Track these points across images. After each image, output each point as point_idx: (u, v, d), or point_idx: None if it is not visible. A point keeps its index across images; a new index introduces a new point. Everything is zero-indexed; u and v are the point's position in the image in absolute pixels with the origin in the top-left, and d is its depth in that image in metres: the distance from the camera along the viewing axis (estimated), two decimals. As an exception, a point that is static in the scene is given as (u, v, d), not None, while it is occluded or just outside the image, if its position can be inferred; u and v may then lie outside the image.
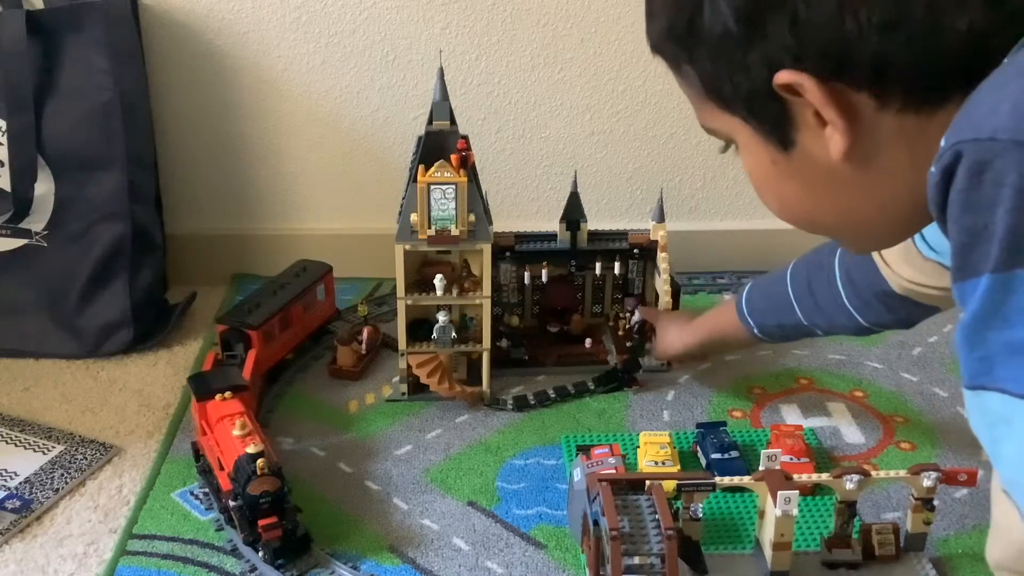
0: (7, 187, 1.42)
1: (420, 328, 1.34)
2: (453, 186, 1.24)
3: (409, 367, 1.34)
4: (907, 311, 1.11)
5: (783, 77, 0.60)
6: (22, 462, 1.24)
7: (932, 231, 0.98)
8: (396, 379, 1.38)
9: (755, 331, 1.25)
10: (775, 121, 0.64)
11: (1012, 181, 0.52)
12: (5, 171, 1.42)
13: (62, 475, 1.21)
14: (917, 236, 1.02)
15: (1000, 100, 0.53)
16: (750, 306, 1.25)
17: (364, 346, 1.46)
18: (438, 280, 1.30)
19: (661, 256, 1.42)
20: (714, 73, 0.64)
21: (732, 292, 1.68)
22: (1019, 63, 0.55)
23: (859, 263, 1.11)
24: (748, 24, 0.60)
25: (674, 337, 1.36)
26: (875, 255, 1.09)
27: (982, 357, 0.56)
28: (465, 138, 1.27)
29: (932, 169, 0.56)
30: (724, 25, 0.61)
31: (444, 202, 1.25)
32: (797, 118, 0.63)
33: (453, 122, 1.27)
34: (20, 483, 1.20)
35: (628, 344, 1.45)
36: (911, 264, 1.05)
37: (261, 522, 1.06)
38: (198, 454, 1.20)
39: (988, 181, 0.52)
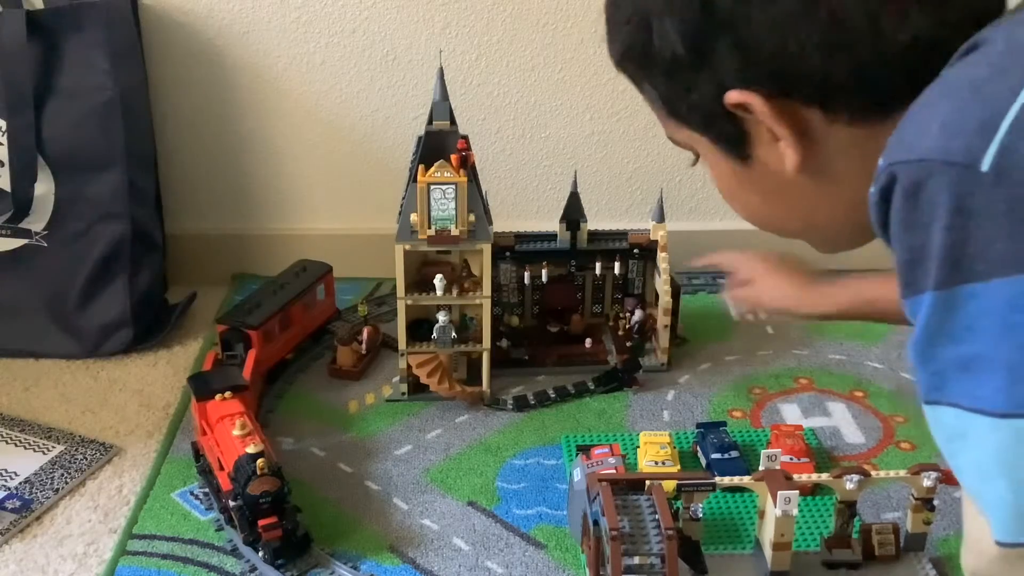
0: (7, 187, 1.42)
1: (420, 328, 1.34)
2: (453, 186, 1.24)
3: (409, 367, 1.34)
4: None
5: (732, 97, 0.62)
6: (22, 462, 1.24)
7: None
8: (396, 379, 1.38)
9: None
10: (731, 137, 0.66)
11: (944, 200, 0.53)
12: (5, 171, 1.42)
13: (62, 475, 1.21)
14: None
15: (930, 120, 0.54)
16: None
17: (364, 346, 1.46)
18: (438, 280, 1.30)
19: (661, 256, 1.42)
20: (669, 93, 0.67)
21: (732, 292, 1.68)
22: (949, 80, 0.56)
23: None
24: (695, 49, 0.62)
25: (792, 294, 1.18)
26: None
27: (934, 372, 0.57)
28: (465, 138, 1.27)
29: (872, 189, 0.57)
30: (673, 50, 0.63)
31: (444, 202, 1.25)
32: (752, 133, 0.65)
33: (453, 122, 1.27)
34: (20, 483, 1.20)
35: (628, 344, 1.45)
36: None
37: (261, 522, 1.06)
38: (198, 454, 1.20)
39: (923, 201, 0.54)
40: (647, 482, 1.02)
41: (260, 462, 1.05)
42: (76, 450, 1.26)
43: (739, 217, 0.76)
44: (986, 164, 0.51)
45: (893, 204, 0.56)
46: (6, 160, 1.41)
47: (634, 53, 0.67)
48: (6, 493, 1.18)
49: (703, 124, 0.67)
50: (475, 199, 1.27)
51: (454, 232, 1.26)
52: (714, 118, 0.65)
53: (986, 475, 0.56)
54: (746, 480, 1.04)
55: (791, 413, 1.36)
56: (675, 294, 1.43)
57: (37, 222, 1.45)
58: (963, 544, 0.67)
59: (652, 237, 1.44)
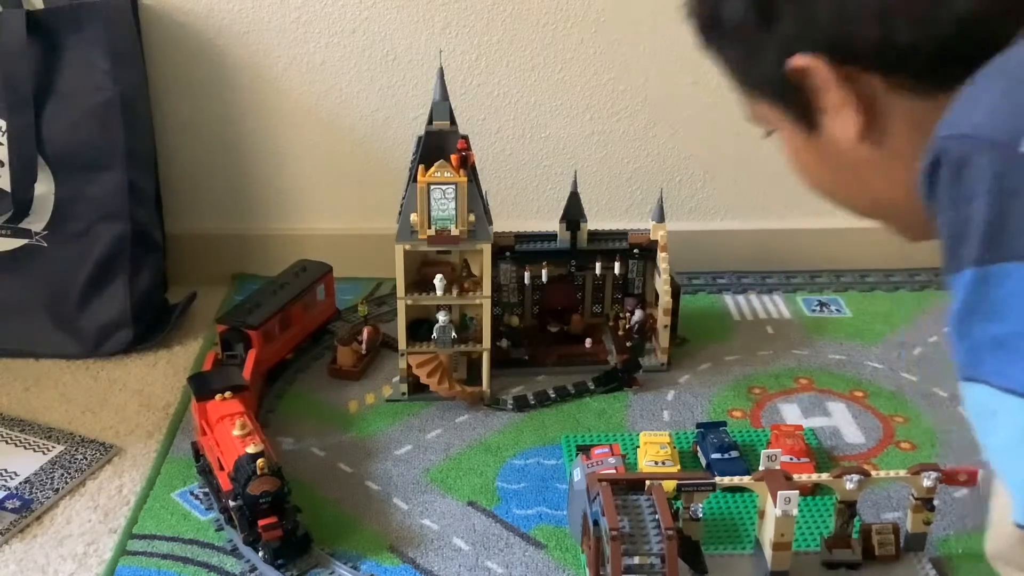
0: (7, 187, 1.42)
1: (420, 328, 1.34)
2: (453, 186, 1.24)
3: (409, 367, 1.34)
4: None
5: (796, 62, 0.62)
6: (22, 462, 1.24)
7: None
8: (396, 379, 1.38)
9: None
10: (799, 105, 0.66)
11: (986, 177, 0.54)
12: (5, 171, 1.42)
13: (62, 475, 1.21)
14: None
15: (980, 98, 0.55)
16: None
17: (364, 346, 1.46)
18: (438, 280, 1.30)
19: (661, 256, 1.42)
20: (739, 60, 0.68)
21: (732, 292, 1.68)
22: (1005, 61, 0.57)
23: None
24: (761, 13, 0.63)
25: None
26: None
27: (970, 348, 0.58)
28: (465, 138, 1.27)
29: (922, 163, 0.58)
30: (740, 14, 0.64)
31: (444, 202, 1.25)
32: (819, 103, 0.65)
33: (453, 122, 1.27)
34: (20, 483, 1.20)
35: (628, 344, 1.45)
36: None
37: (261, 522, 1.06)
38: (198, 454, 1.20)
39: (967, 178, 0.55)
40: (647, 482, 1.02)
41: (260, 462, 1.05)
42: (76, 450, 1.26)
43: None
44: None
45: (940, 178, 0.56)
46: (6, 160, 1.41)
47: (706, 21, 0.68)
48: (6, 493, 1.18)
49: (772, 92, 0.67)
50: (475, 199, 1.27)
51: (454, 232, 1.26)
52: (781, 85, 0.65)
53: (1012, 455, 0.56)
54: (746, 480, 1.04)
55: (791, 413, 1.36)
56: (675, 294, 1.43)
57: (37, 222, 1.45)
58: (988, 529, 0.67)
59: (652, 237, 1.44)
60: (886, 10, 0.59)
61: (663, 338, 1.43)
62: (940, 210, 0.57)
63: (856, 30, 0.60)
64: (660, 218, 1.43)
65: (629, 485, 1.02)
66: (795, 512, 1.00)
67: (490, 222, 1.32)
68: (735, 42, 0.67)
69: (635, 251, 1.44)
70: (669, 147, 1.69)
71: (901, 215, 0.72)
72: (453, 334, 1.33)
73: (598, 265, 1.45)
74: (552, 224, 1.44)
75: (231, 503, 1.08)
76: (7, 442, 1.28)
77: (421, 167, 1.24)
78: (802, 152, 0.70)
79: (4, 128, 1.40)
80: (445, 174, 1.24)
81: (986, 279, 0.55)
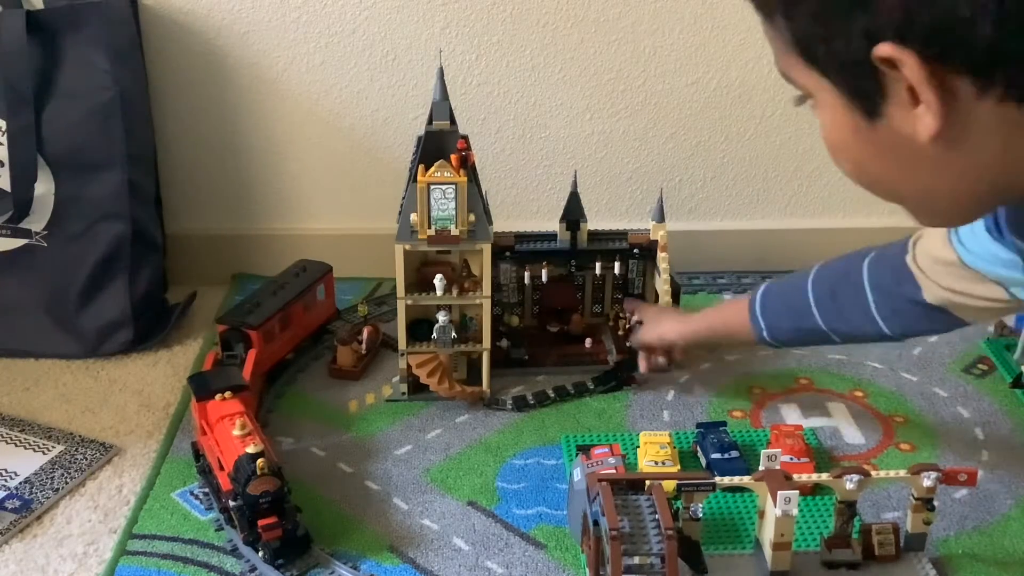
0: (7, 187, 1.42)
1: (420, 328, 1.34)
2: (453, 186, 1.24)
3: (409, 367, 1.34)
4: (938, 322, 1.09)
5: (885, 50, 0.59)
6: (22, 462, 1.24)
7: (971, 238, 0.97)
8: (396, 379, 1.38)
9: (764, 333, 1.23)
10: (865, 91, 0.63)
11: None
12: (5, 171, 1.42)
13: (62, 475, 1.21)
14: (958, 245, 1.00)
15: None
16: (764, 308, 1.23)
17: (364, 346, 1.46)
18: (438, 280, 1.30)
19: (661, 256, 1.42)
20: (811, 33, 0.63)
21: (732, 292, 1.68)
22: None
23: (893, 271, 1.10)
24: None
25: (671, 325, 1.37)
26: (911, 264, 1.07)
27: None
28: (465, 138, 1.27)
29: None
30: None
31: (444, 202, 1.25)
32: (889, 91, 0.62)
33: (453, 122, 1.27)
34: (20, 483, 1.20)
35: (628, 344, 1.45)
36: (951, 272, 1.03)
37: (261, 522, 1.06)
38: (198, 454, 1.20)
39: None
40: (647, 482, 1.02)
41: (260, 462, 1.05)
42: (76, 450, 1.26)
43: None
44: None
45: None
46: (6, 160, 1.41)
47: None
48: (6, 493, 1.18)
49: (838, 72, 0.63)
50: (475, 199, 1.27)
51: (454, 232, 1.26)
52: (854, 68, 0.61)
53: None
54: (746, 480, 1.04)
55: (791, 413, 1.36)
56: (675, 294, 1.43)
57: (37, 222, 1.45)
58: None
59: (652, 237, 1.44)
60: (1005, 14, 0.56)
61: (663, 338, 1.43)
62: None
63: (964, 31, 0.57)
64: (660, 218, 1.43)
65: (629, 485, 1.03)
66: (795, 512, 1.00)
67: (490, 222, 1.32)
68: (815, 14, 0.62)
69: (635, 251, 1.44)
70: (669, 147, 1.69)
71: (938, 207, 0.69)
72: (453, 334, 1.33)
73: (598, 265, 1.45)
74: (552, 224, 1.44)
75: (231, 503, 1.08)
76: (7, 442, 1.28)
77: (421, 167, 1.24)
78: (847, 133, 0.66)
79: (4, 128, 1.40)
80: (445, 174, 1.24)
81: None
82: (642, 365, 1.41)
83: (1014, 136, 0.58)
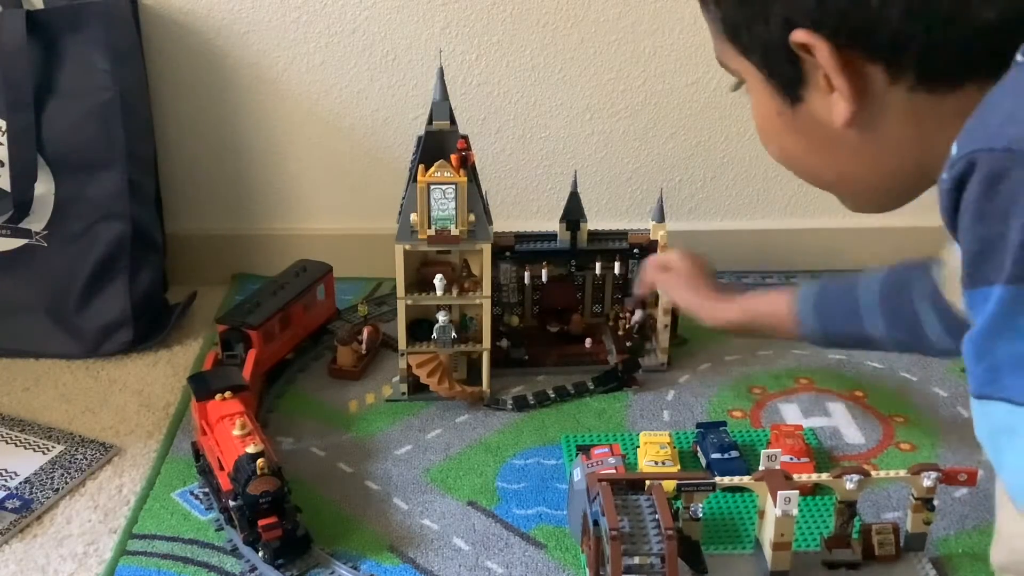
0: (7, 187, 1.42)
1: (420, 328, 1.34)
2: (453, 186, 1.24)
3: (409, 367, 1.34)
4: None
5: (799, 36, 0.61)
6: (22, 462, 1.24)
7: None
8: (396, 379, 1.38)
9: (807, 333, 1.18)
10: (786, 76, 0.65)
11: None
12: (5, 171, 1.42)
13: (62, 475, 1.21)
14: None
15: (1017, 107, 0.53)
16: (814, 309, 1.18)
17: (364, 346, 1.46)
18: (438, 280, 1.30)
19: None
20: (736, 18, 0.65)
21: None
22: None
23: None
24: None
25: (717, 307, 1.27)
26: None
27: (989, 367, 0.56)
28: (465, 138, 1.27)
29: (944, 176, 0.56)
30: None
31: (444, 202, 1.25)
32: (808, 77, 0.64)
33: (453, 122, 1.27)
34: (20, 483, 1.20)
35: (628, 344, 1.45)
36: None
37: (261, 522, 1.06)
38: (198, 454, 1.20)
39: (1003, 192, 0.53)
40: (647, 482, 1.02)
41: (260, 462, 1.05)
42: (76, 450, 1.26)
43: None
44: None
45: (968, 192, 0.54)
46: (6, 160, 1.41)
47: None
48: (6, 493, 1.18)
49: (762, 57, 0.66)
50: (475, 199, 1.27)
51: (454, 232, 1.26)
52: (775, 53, 0.64)
53: None
54: (746, 480, 1.04)
55: (791, 413, 1.36)
56: (675, 294, 1.43)
57: (37, 222, 1.45)
58: (994, 539, 0.67)
59: (652, 237, 1.44)
60: (913, 6, 0.58)
61: (663, 338, 1.43)
62: (963, 226, 0.55)
63: (875, 19, 0.59)
64: (660, 218, 1.43)
65: (629, 485, 1.03)
66: (795, 512, 1.00)
67: (490, 222, 1.32)
68: (741, 2, 0.64)
69: (635, 251, 1.44)
70: (669, 147, 1.69)
71: (861, 191, 0.71)
72: (453, 334, 1.33)
73: (598, 265, 1.45)
74: (552, 224, 1.44)
75: (231, 503, 1.08)
76: (7, 442, 1.28)
77: (421, 167, 1.24)
78: (773, 118, 0.68)
79: (4, 128, 1.40)
80: (445, 174, 1.24)
81: (1018, 298, 0.53)
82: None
83: (927, 122, 0.59)
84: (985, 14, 0.57)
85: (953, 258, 0.77)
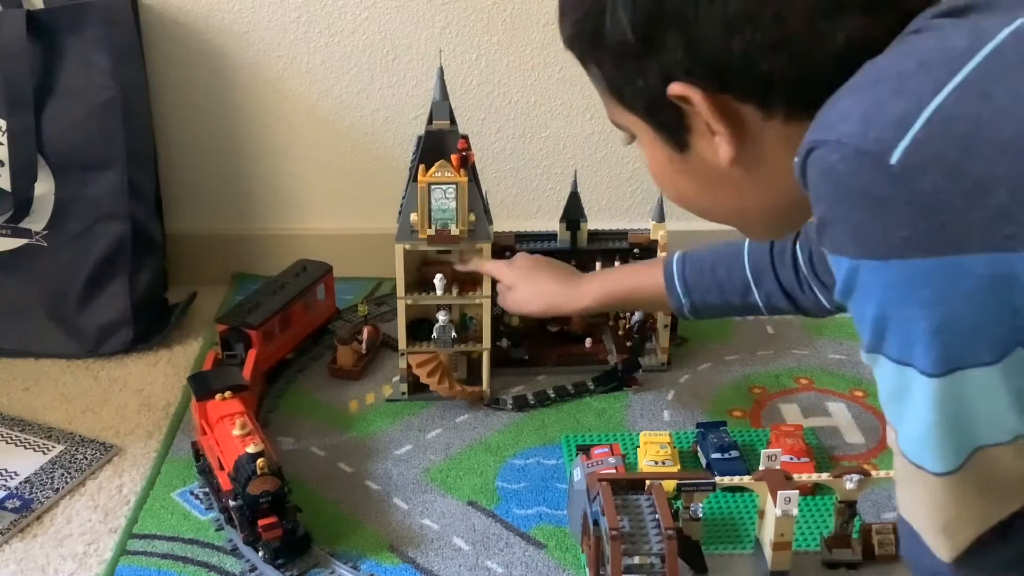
0: (7, 187, 1.42)
1: (420, 328, 1.34)
2: (453, 186, 1.24)
3: (409, 367, 1.34)
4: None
5: (675, 89, 0.64)
6: (22, 462, 1.24)
7: None
8: (396, 379, 1.38)
9: (685, 309, 1.17)
10: (670, 125, 0.68)
11: (853, 185, 0.56)
12: (5, 171, 1.42)
13: (62, 475, 1.21)
14: None
15: (855, 105, 0.58)
16: (686, 283, 1.17)
17: (364, 346, 1.46)
18: (438, 280, 1.30)
19: (661, 256, 1.42)
20: (615, 76, 0.69)
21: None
22: (881, 67, 0.59)
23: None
24: (644, 38, 0.64)
25: (572, 298, 1.24)
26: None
27: (876, 318, 0.61)
28: (465, 138, 1.27)
29: (796, 160, 0.61)
30: (623, 35, 0.65)
31: (444, 202, 1.25)
32: (691, 124, 0.67)
33: (453, 122, 1.27)
34: (20, 483, 1.20)
35: (628, 344, 1.45)
36: None
37: (261, 522, 1.06)
38: (198, 454, 1.20)
39: (834, 181, 0.57)
40: (647, 482, 1.02)
41: (260, 462, 1.05)
42: (76, 450, 1.26)
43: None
44: (895, 157, 0.54)
45: (809, 176, 0.59)
46: (6, 160, 1.41)
47: (585, 34, 0.69)
48: (6, 493, 1.18)
49: (645, 111, 0.69)
50: (475, 199, 1.27)
51: (454, 232, 1.26)
52: (656, 106, 0.67)
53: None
54: (746, 480, 1.04)
55: (791, 413, 1.36)
56: (675, 294, 1.43)
57: (37, 222, 1.45)
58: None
59: (652, 237, 1.44)
60: (772, 45, 0.61)
61: (663, 338, 1.43)
62: (812, 202, 0.60)
63: (740, 63, 0.62)
64: (660, 218, 1.43)
65: (629, 485, 1.03)
66: (795, 512, 1.00)
67: (490, 222, 1.32)
68: (614, 60, 0.67)
69: (635, 251, 1.44)
70: (669, 147, 1.68)
71: (756, 222, 0.77)
72: (453, 334, 1.33)
73: (598, 265, 1.44)
74: (552, 224, 1.44)
75: (231, 503, 1.08)
76: (7, 442, 1.28)
77: (421, 167, 1.24)
78: (666, 166, 0.72)
79: (4, 128, 1.40)
80: (445, 174, 1.24)
81: (855, 271, 0.59)
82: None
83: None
84: (835, 40, 0.61)
85: None
